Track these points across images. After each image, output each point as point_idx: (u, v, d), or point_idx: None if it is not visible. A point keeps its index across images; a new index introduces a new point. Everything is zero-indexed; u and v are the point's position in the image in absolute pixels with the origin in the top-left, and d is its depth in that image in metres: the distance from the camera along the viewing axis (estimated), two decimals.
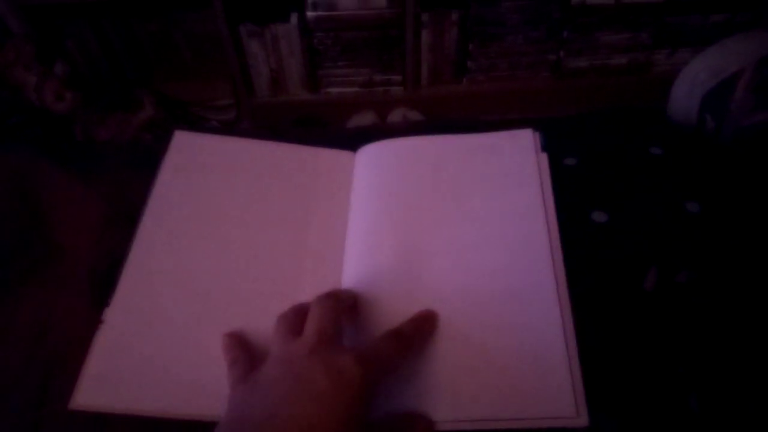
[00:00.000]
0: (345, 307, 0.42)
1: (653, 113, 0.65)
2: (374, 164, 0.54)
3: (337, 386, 0.34)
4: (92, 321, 0.43)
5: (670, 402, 0.41)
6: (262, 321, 0.43)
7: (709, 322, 0.44)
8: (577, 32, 1.50)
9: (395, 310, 0.43)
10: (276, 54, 1.52)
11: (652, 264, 0.47)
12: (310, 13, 1.44)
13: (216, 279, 0.47)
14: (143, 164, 0.57)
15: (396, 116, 1.59)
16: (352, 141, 0.57)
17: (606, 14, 1.46)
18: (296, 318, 0.40)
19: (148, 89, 1.54)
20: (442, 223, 0.48)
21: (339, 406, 0.33)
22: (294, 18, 1.45)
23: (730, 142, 0.57)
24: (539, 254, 0.44)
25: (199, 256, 0.48)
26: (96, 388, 0.41)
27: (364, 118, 1.59)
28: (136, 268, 0.47)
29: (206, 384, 0.41)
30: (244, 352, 0.42)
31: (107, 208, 0.55)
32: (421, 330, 0.41)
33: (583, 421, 0.37)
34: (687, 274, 0.46)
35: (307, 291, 0.45)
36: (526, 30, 1.49)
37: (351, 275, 0.47)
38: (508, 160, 0.51)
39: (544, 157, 0.50)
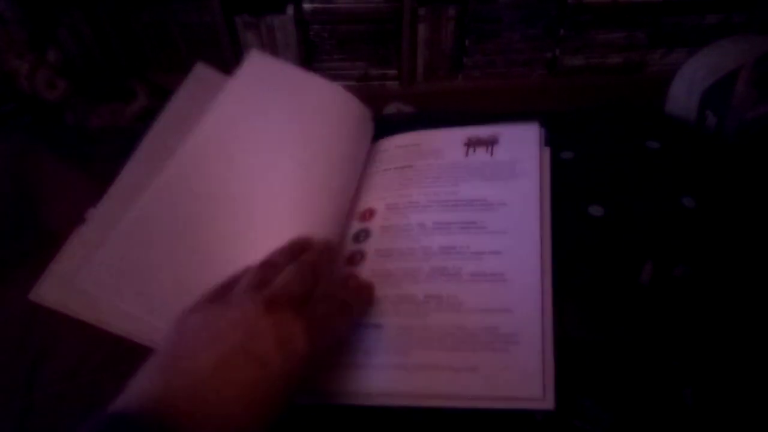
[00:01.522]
0: (322, 268, 0.41)
1: (650, 108, 0.65)
2: (382, 155, 0.56)
3: (282, 353, 0.33)
4: None
5: (665, 396, 0.41)
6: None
7: (704, 316, 0.44)
8: (574, 30, 1.50)
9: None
10: (271, 46, 1.51)
11: (649, 258, 0.47)
12: (306, 5, 1.44)
13: (217, 206, 0.45)
14: None
15: (391, 110, 1.59)
16: None
17: (603, 13, 1.46)
18: (267, 273, 0.39)
19: (141, 79, 1.53)
20: (439, 205, 0.49)
21: (284, 373, 0.33)
22: (290, 9, 1.45)
23: (734, 136, 0.58)
24: (528, 241, 0.45)
25: (203, 179, 0.46)
26: (61, 286, 0.40)
27: None
28: (132, 175, 0.45)
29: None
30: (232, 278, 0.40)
31: (100, 195, 0.55)
32: (360, 298, 0.43)
33: (548, 404, 0.37)
34: (683, 269, 0.46)
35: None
36: (522, 27, 1.49)
37: None
38: (512, 151, 0.52)
39: (546, 152, 0.52)
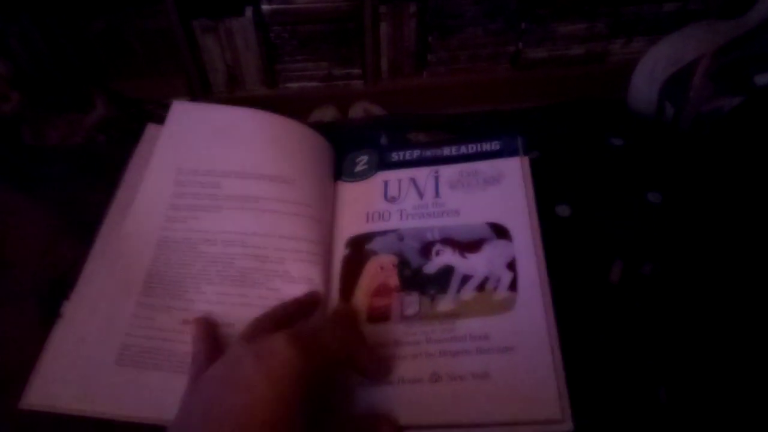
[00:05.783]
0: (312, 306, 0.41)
1: (612, 103, 0.65)
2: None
3: (268, 371, 0.32)
4: (42, 338, 0.41)
5: (639, 394, 0.41)
6: (238, 315, 0.42)
7: (675, 313, 0.44)
8: (535, 23, 1.50)
9: None
10: (232, 49, 1.49)
11: (617, 257, 0.47)
12: (265, 7, 1.41)
13: (191, 271, 0.44)
14: (95, 169, 0.54)
15: (357, 110, 1.57)
16: None
17: (562, 5, 1.47)
18: (265, 324, 0.39)
19: (99, 87, 1.49)
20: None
21: (271, 392, 0.31)
22: (249, 12, 1.42)
23: (689, 128, 0.58)
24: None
25: (174, 246, 0.45)
26: (49, 387, 0.39)
27: (325, 113, 1.57)
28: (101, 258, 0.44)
29: (165, 387, 0.39)
30: (207, 346, 0.40)
31: (57, 218, 0.53)
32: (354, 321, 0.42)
33: (567, 426, 0.37)
34: (651, 266, 0.46)
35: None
36: (484, 22, 1.49)
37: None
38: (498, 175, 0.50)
39: (525, 161, 0.50)
